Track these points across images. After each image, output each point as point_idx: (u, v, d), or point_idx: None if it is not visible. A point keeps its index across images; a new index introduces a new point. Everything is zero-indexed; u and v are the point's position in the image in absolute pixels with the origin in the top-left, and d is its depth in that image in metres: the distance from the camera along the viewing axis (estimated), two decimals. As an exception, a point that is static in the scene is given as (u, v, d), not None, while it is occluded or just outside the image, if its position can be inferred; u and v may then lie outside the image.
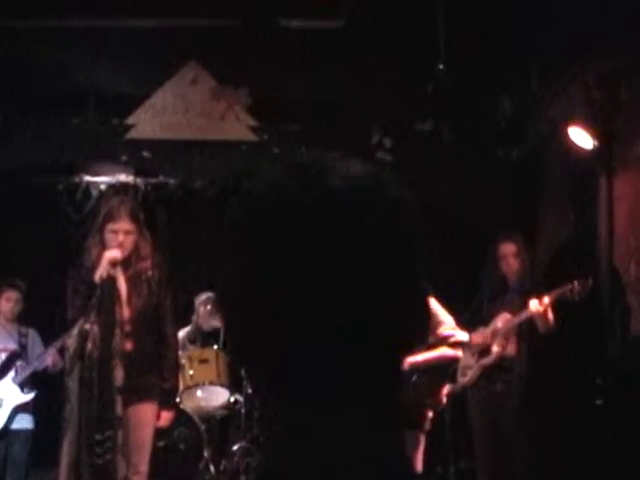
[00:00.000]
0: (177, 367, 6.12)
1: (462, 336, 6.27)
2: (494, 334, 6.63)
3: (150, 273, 5.60)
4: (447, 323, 6.22)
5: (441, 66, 7.58)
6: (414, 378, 6.09)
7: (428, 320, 1.12)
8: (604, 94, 6.81)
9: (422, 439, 6.17)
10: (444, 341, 6.17)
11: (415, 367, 6.05)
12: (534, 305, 6.26)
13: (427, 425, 6.19)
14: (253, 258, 1.03)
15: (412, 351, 1.09)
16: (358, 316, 1.00)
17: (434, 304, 6.25)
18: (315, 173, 1.05)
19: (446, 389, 6.35)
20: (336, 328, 0.99)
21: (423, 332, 1.09)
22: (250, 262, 1.03)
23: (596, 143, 6.96)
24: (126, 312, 5.43)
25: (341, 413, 1.01)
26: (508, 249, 6.74)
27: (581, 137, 7.09)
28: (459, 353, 6.27)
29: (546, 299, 6.25)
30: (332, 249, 0.99)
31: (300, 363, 1.00)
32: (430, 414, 6.24)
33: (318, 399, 1.01)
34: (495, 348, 6.61)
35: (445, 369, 6.26)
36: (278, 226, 1.01)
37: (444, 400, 6.33)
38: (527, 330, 6.46)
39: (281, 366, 1.02)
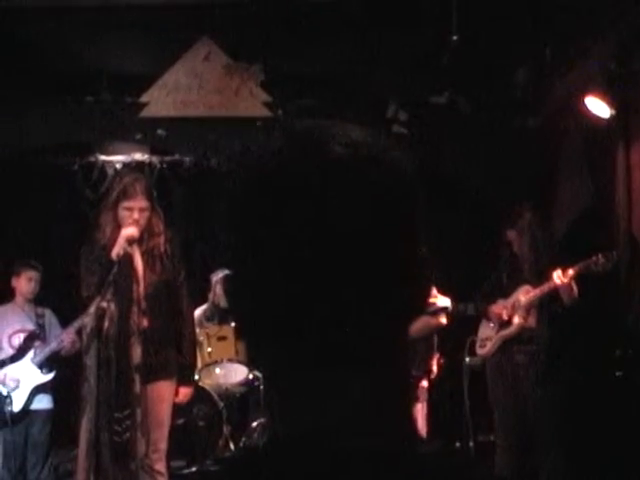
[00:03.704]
0: (194, 342, 6.07)
1: (444, 302, 6.26)
2: (515, 306, 6.60)
3: (163, 249, 5.54)
4: None
5: (455, 37, 7.51)
6: None
7: (429, 287, 1.12)
8: (619, 64, 6.77)
9: (419, 409, 6.18)
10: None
11: None
12: (559, 277, 6.21)
13: (421, 394, 6.19)
14: (255, 228, 1.03)
15: (415, 317, 1.08)
16: (359, 282, 1.00)
17: None
18: (315, 141, 1.05)
19: (435, 358, 6.33)
20: (338, 293, 0.99)
21: (424, 298, 1.09)
22: (252, 232, 1.03)
23: (613, 112, 6.91)
24: (142, 289, 5.40)
25: (346, 379, 1.01)
26: (511, 235, 6.70)
27: (598, 106, 7.05)
28: (443, 320, 6.26)
29: (570, 271, 6.20)
30: (333, 216, 1.00)
31: (304, 328, 1.00)
32: (424, 384, 6.24)
33: (322, 365, 1.01)
34: (517, 320, 6.58)
35: (430, 338, 6.24)
36: (280, 196, 1.01)
37: (434, 369, 6.32)
38: (548, 302, 6.42)
39: (285, 332, 1.02)
